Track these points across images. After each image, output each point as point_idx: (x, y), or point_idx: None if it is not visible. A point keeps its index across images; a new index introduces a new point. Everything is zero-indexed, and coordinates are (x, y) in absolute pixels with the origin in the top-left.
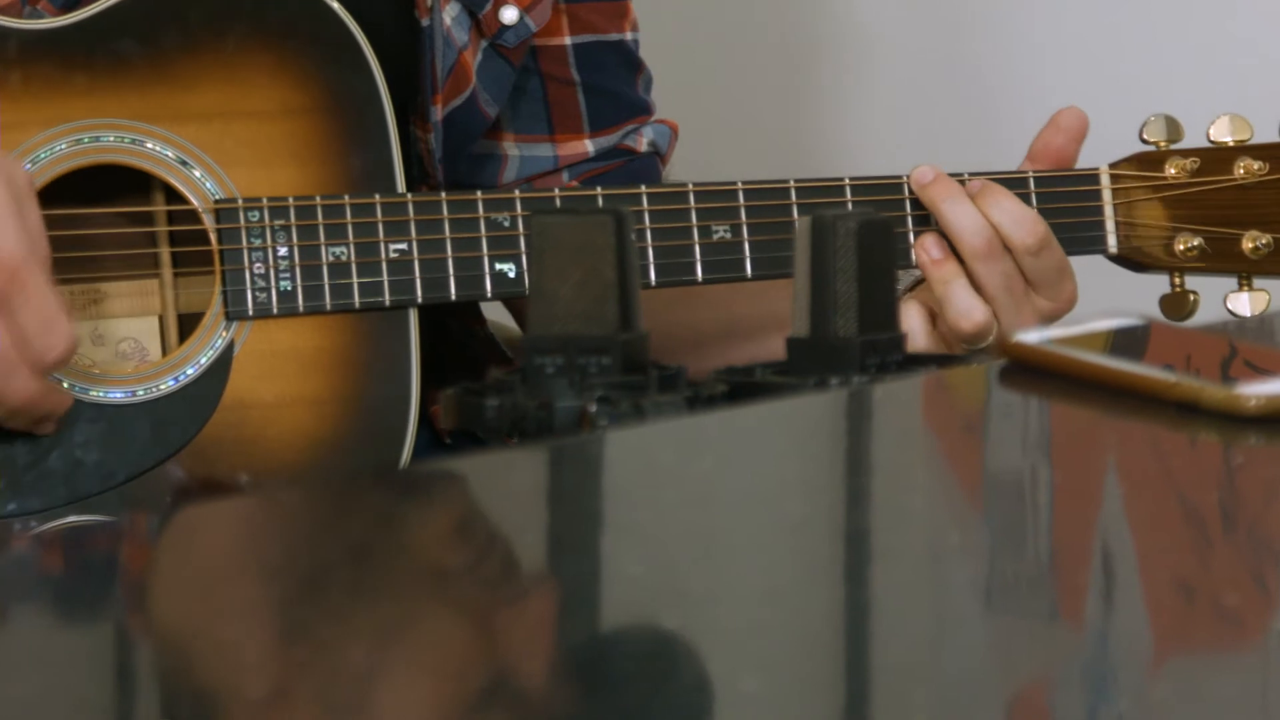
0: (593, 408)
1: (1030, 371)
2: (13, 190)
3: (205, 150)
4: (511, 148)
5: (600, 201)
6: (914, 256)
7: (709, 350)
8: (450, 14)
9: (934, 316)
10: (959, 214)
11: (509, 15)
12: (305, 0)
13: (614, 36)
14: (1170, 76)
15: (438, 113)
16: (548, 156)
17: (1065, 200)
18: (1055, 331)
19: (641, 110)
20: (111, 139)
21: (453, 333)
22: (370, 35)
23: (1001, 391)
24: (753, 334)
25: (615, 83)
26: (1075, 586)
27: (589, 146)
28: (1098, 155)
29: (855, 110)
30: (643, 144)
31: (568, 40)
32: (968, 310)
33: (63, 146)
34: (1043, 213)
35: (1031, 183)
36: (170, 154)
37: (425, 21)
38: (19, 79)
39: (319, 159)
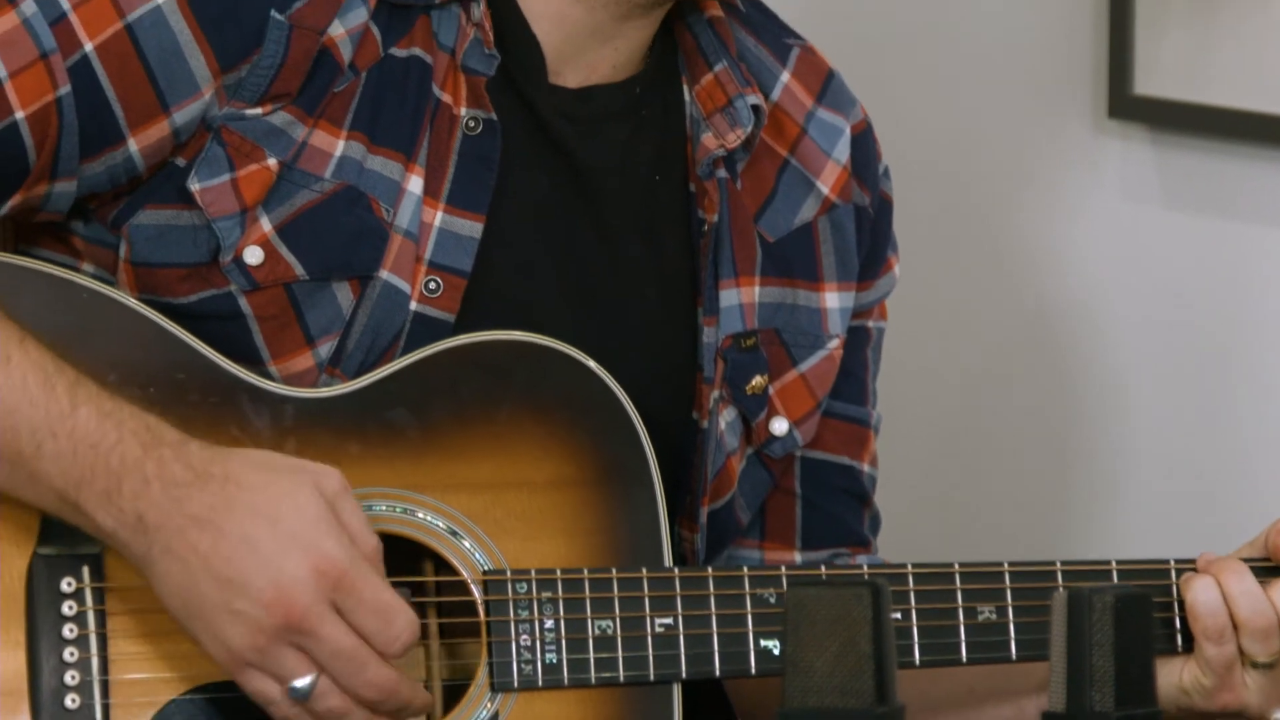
0: None
1: None
2: (324, 495)
3: (475, 520)
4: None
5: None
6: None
7: None
8: (726, 418)
9: None
10: None
11: (779, 427)
12: (578, 373)
13: (845, 461)
14: None
15: (703, 514)
16: (755, 559)
17: None
18: None
19: (860, 543)
20: (383, 508)
21: None
22: (646, 428)
23: None
24: (938, 708)
25: (838, 507)
26: None
27: (797, 559)
28: None
29: (1104, 489)
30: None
31: (797, 453)
32: None
33: None
34: None
35: None
36: (440, 524)
37: (705, 424)
38: (294, 446)
39: (587, 532)
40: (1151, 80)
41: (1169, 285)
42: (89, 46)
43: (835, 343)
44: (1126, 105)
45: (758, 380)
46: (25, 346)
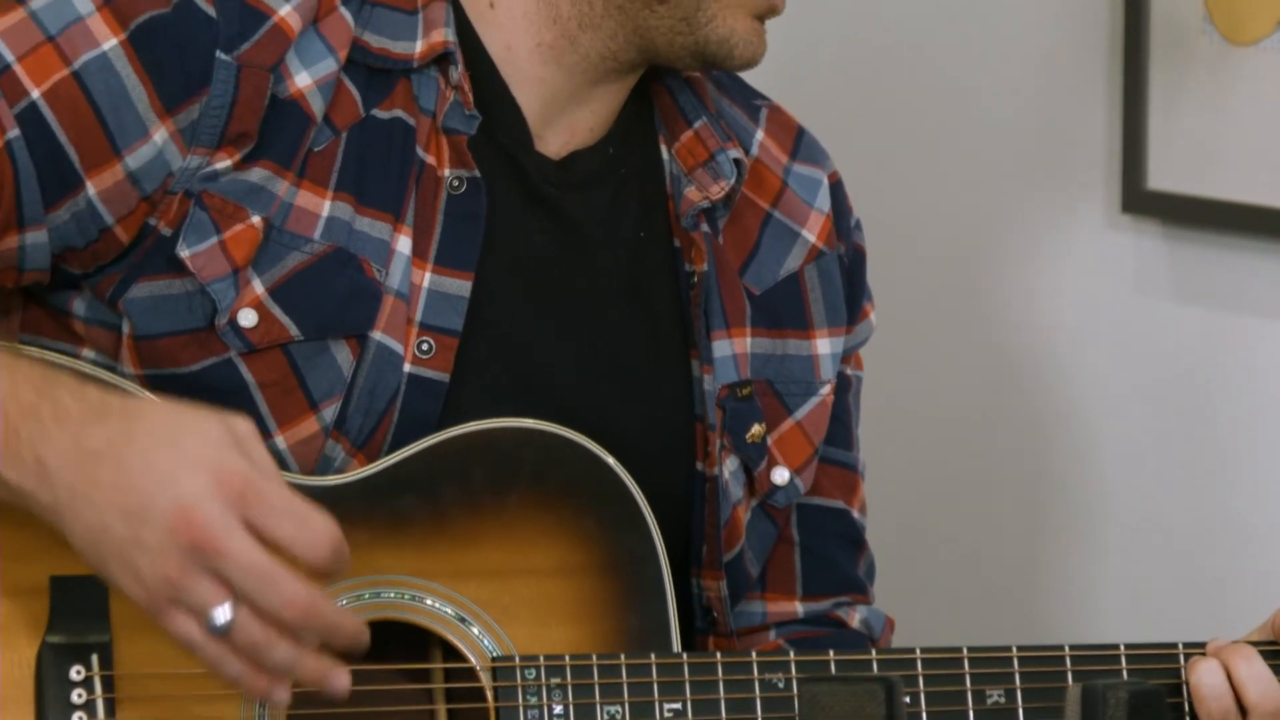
0: None
1: None
2: (232, 432)
3: (484, 607)
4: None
5: (875, 665)
6: None
7: None
8: (730, 467)
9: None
10: None
11: (780, 476)
12: (587, 460)
13: (838, 504)
14: None
15: (724, 559)
16: (757, 612)
17: None
18: None
19: (858, 589)
20: (391, 595)
21: None
22: (647, 482)
23: None
24: None
25: (835, 552)
26: None
27: (799, 609)
28: None
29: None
30: (854, 620)
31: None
32: None
33: (343, 602)
34: None
35: None
36: (449, 611)
37: (714, 471)
38: None
39: (596, 617)
40: (1164, 175)
41: (1182, 380)
42: (35, 94)
43: (827, 388)
44: (1139, 200)
45: (756, 429)
46: None
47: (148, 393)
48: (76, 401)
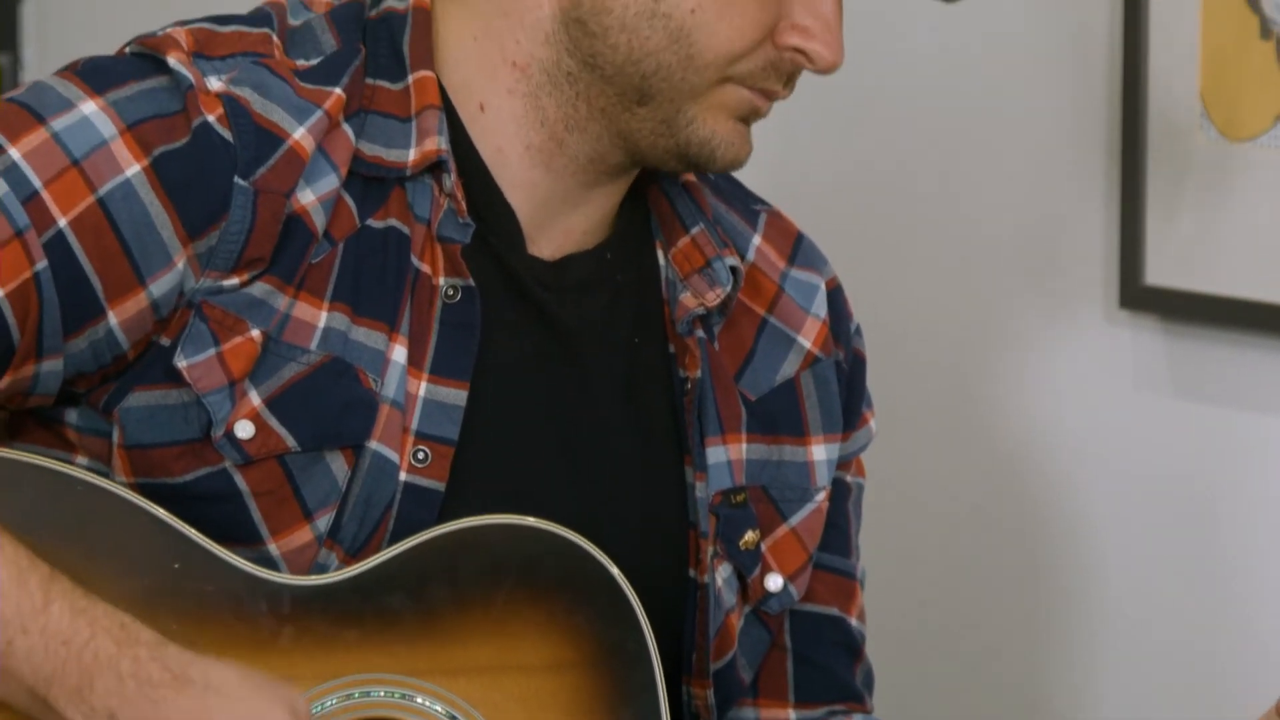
0: None
1: None
2: (296, 717)
3: (474, 705)
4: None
5: None
6: None
7: None
8: (722, 575)
9: None
10: None
11: (774, 583)
12: (577, 557)
13: (834, 613)
14: None
15: (712, 669)
16: (750, 718)
17: None
18: None
19: (854, 698)
20: (381, 694)
21: None
22: (639, 588)
23: None
24: None
25: (829, 659)
26: None
27: (791, 716)
28: None
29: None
30: None
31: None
32: None
33: (333, 702)
34: None
35: None
36: (439, 709)
37: (705, 579)
38: (291, 634)
39: (587, 713)
40: (1163, 270)
41: (1181, 476)
42: (63, 222)
43: (822, 495)
44: (1138, 296)
45: (750, 535)
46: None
47: (215, 663)
48: (157, 664)
